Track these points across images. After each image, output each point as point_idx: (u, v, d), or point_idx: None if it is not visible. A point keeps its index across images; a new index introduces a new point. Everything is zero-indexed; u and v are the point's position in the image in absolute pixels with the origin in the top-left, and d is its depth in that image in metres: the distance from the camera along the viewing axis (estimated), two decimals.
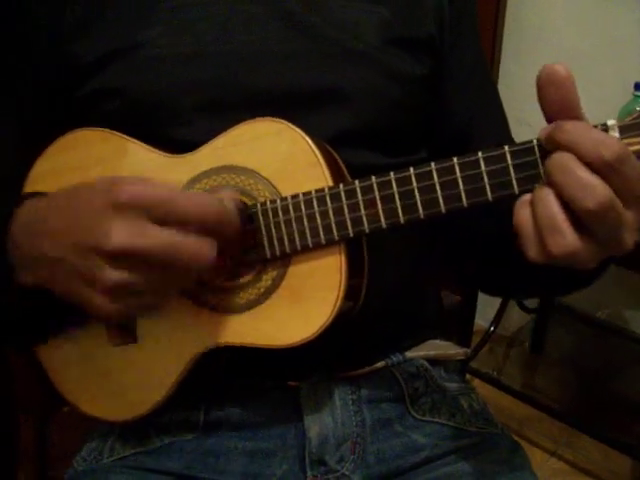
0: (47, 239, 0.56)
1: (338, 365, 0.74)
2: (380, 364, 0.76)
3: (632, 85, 1.59)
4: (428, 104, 0.78)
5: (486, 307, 2.12)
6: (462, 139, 0.79)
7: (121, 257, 0.51)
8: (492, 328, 2.08)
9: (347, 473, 0.72)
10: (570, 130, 0.50)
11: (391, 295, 0.75)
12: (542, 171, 0.53)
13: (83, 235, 0.53)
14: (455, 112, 0.80)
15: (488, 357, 2.24)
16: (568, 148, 0.50)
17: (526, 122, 1.79)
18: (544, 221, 0.51)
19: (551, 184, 0.51)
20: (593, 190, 0.48)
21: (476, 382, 1.97)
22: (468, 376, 1.94)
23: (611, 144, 0.48)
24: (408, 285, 0.78)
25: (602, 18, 1.84)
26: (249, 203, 0.63)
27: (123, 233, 0.51)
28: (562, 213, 0.50)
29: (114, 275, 0.52)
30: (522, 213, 0.53)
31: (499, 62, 2.04)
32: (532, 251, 0.52)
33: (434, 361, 0.81)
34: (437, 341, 0.83)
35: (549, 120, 0.53)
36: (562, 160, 0.50)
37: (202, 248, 0.53)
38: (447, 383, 0.81)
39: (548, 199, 0.51)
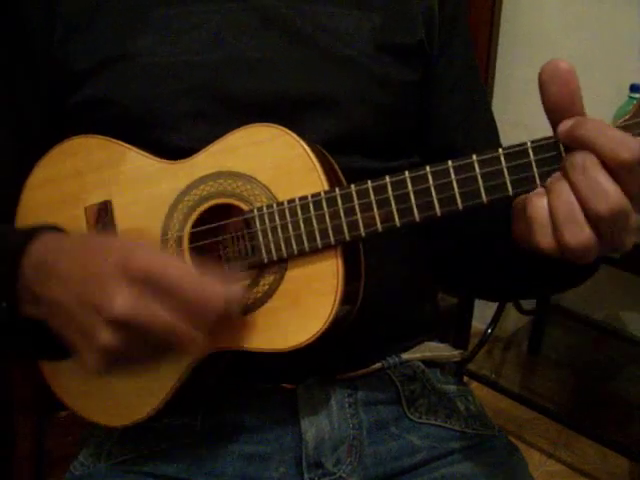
0: (55, 282, 0.57)
1: (334, 367, 0.74)
2: (376, 366, 0.76)
3: (627, 87, 1.60)
4: (419, 109, 0.78)
5: (483, 309, 2.13)
6: (450, 144, 0.80)
7: (119, 324, 0.53)
8: (489, 330, 2.08)
9: (344, 476, 0.72)
10: (590, 128, 0.51)
11: (388, 297, 0.75)
12: (536, 173, 0.54)
13: (90, 291, 0.54)
14: (443, 117, 0.80)
15: (486, 359, 2.24)
16: (586, 146, 0.51)
17: (522, 124, 1.79)
18: (563, 212, 0.51)
19: (567, 180, 0.52)
20: (607, 196, 0.50)
21: (474, 384, 1.97)
22: (466, 378, 1.94)
23: (630, 145, 0.49)
24: (405, 287, 0.79)
25: (597, 20, 1.84)
26: (246, 208, 0.63)
27: (127, 303, 0.52)
28: (580, 207, 0.51)
29: (108, 339, 0.53)
30: (537, 203, 0.54)
31: (494, 64, 2.04)
32: (545, 241, 0.53)
33: (430, 363, 0.81)
34: (433, 343, 0.83)
35: (551, 117, 0.53)
36: (584, 161, 0.51)
37: (197, 338, 0.54)
38: (443, 385, 0.81)
39: (568, 191, 0.52)
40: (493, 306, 2.10)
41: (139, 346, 0.54)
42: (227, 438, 0.74)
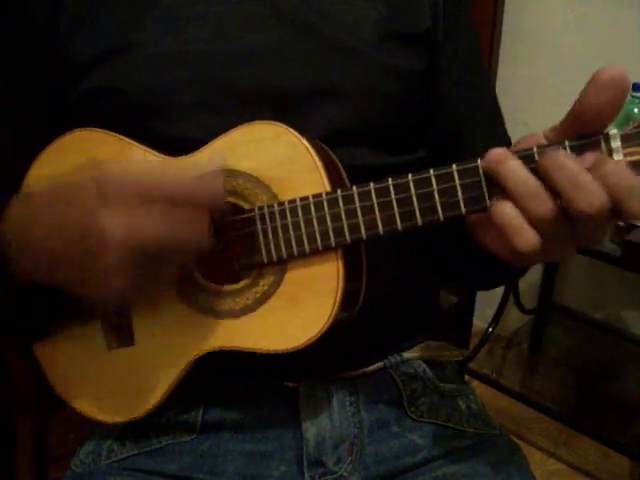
0: (43, 235, 0.57)
1: (336, 366, 0.74)
2: (378, 365, 0.76)
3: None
4: (425, 98, 0.78)
5: (484, 308, 2.13)
6: (455, 134, 0.79)
7: (119, 248, 0.52)
8: (490, 329, 2.08)
9: (345, 474, 0.72)
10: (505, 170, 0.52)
11: (388, 296, 0.75)
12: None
13: (80, 231, 0.54)
14: (450, 106, 0.80)
15: (487, 358, 2.24)
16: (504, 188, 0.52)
17: (523, 122, 1.80)
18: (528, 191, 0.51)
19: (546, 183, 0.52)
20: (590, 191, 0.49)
21: (475, 383, 1.97)
22: (467, 377, 1.94)
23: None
24: (405, 286, 0.78)
25: (599, 19, 1.84)
26: (247, 207, 0.63)
27: (119, 224, 0.52)
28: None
29: (114, 265, 0.53)
30: (501, 206, 0.53)
31: (497, 63, 2.04)
32: (528, 237, 0.52)
33: (432, 362, 0.81)
34: (434, 342, 0.83)
35: (577, 117, 0.52)
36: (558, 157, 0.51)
37: (195, 228, 0.54)
38: (445, 384, 0.80)
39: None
40: (494, 305, 2.10)
41: (147, 264, 0.54)
42: (228, 436, 0.74)
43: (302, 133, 0.62)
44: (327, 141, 0.65)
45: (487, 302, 2.11)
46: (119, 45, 0.70)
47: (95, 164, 0.56)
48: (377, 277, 0.66)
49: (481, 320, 2.11)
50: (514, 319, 2.30)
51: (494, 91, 0.87)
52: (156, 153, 0.67)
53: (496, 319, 2.09)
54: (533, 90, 1.97)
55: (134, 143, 0.68)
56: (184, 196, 0.54)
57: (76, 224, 0.54)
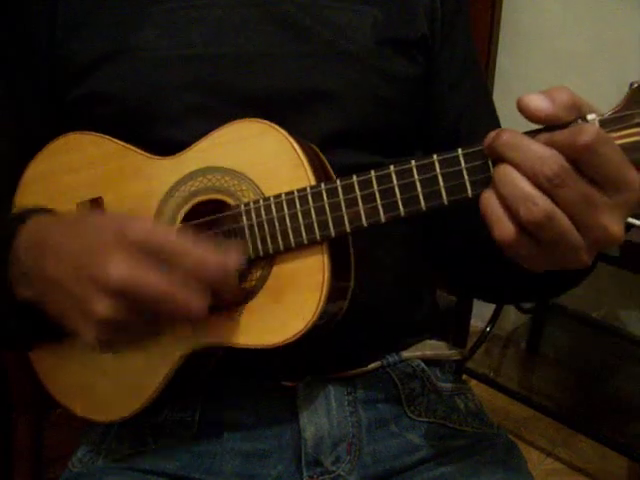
0: (50, 259, 0.57)
1: (334, 365, 0.74)
2: (376, 364, 0.76)
3: (627, 85, 1.59)
4: (421, 103, 0.78)
5: (482, 307, 2.13)
6: (453, 138, 0.79)
7: (116, 292, 0.52)
8: (488, 328, 2.08)
9: (343, 474, 0.72)
10: (508, 142, 0.50)
11: (386, 295, 0.75)
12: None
13: (85, 263, 0.54)
14: (446, 110, 0.80)
15: (484, 357, 2.24)
16: (507, 161, 0.50)
17: (522, 120, 1.80)
18: (513, 193, 0.50)
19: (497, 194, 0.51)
20: (534, 202, 0.49)
21: (472, 382, 1.97)
22: (464, 376, 1.94)
23: (549, 160, 0.49)
24: (403, 285, 0.79)
25: (597, 18, 1.84)
26: (233, 204, 0.63)
27: (124, 270, 0.52)
28: (528, 183, 0.50)
29: (105, 309, 0.53)
30: (486, 197, 0.52)
31: (495, 62, 2.04)
32: (505, 230, 0.51)
33: (430, 361, 0.81)
34: (433, 341, 0.83)
35: None
36: (505, 172, 0.50)
37: (195, 301, 0.54)
38: (443, 383, 0.81)
39: (512, 174, 0.50)
40: (492, 305, 2.10)
41: (138, 316, 0.54)
42: (225, 435, 0.74)
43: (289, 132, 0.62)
44: (323, 144, 0.65)
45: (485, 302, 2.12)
46: (115, 49, 0.70)
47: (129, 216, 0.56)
48: (376, 275, 0.66)
49: (479, 320, 2.11)
50: (512, 319, 2.30)
51: (490, 93, 0.87)
52: (147, 154, 0.68)
53: (494, 319, 2.09)
54: (532, 89, 1.97)
55: (126, 145, 0.68)
56: (196, 276, 0.54)
57: (87, 252, 0.54)
